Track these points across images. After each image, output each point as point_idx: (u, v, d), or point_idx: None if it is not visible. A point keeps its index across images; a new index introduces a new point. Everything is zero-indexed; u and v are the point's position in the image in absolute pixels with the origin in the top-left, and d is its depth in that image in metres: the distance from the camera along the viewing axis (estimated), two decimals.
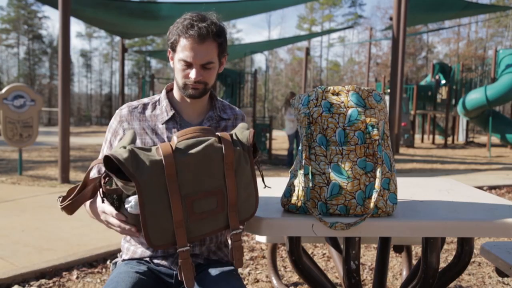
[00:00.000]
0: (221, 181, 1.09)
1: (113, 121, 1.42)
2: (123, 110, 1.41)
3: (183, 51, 1.29)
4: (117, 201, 1.13)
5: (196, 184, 1.07)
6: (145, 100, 1.44)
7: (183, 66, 1.31)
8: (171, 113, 1.38)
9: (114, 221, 1.13)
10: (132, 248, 1.41)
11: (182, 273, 1.11)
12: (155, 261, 1.39)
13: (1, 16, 43.27)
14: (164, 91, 1.44)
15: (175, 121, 1.38)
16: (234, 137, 1.15)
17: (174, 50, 1.33)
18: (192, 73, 1.30)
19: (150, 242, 1.05)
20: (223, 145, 1.10)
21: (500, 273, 1.79)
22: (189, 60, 1.29)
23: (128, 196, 1.09)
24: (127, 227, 1.11)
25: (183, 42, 1.29)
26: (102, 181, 1.10)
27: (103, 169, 1.11)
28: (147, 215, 1.03)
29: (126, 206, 1.09)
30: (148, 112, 1.40)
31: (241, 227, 1.16)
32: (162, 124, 1.38)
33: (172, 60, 1.37)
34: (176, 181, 1.05)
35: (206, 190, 1.08)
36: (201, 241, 1.39)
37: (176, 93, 1.42)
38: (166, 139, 1.36)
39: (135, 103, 1.43)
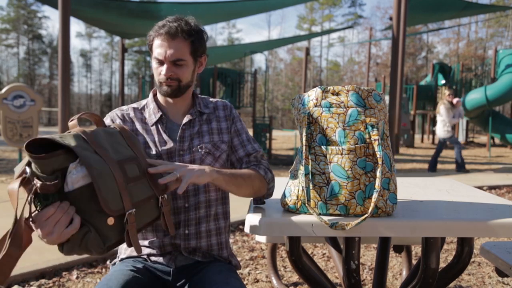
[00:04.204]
0: (130, 151, 1.19)
1: (106, 120, 1.43)
2: (115, 112, 1.46)
3: (155, 49, 1.34)
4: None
5: (116, 151, 1.14)
6: (134, 105, 1.48)
7: (156, 64, 1.36)
8: (158, 115, 1.42)
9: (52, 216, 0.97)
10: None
11: (130, 238, 1.09)
12: (152, 258, 1.40)
13: (1, 16, 43.28)
14: (151, 95, 1.48)
15: (162, 122, 1.42)
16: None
17: (151, 50, 1.38)
18: (163, 70, 1.34)
19: (108, 206, 1.02)
20: (115, 126, 1.25)
21: (500, 273, 1.79)
22: (160, 57, 1.33)
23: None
24: (65, 212, 0.98)
25: (156, 41, 1.34)
26: (35, 185, 0.96)
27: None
28: (97, 176, 1.01)
29: (70, 176, 1.00)
30: (138, 115, 1.44)
31: (165, 195, 1.19)
32: (152, 126, 1.41)
33: (151, 60, 1.41)
34: (102, 147, 1.10)
35: (125, 157, 1.14)
36: (196, 234, 1.40)
37: (159, 96, 1.46)
38: (156, 140, 1.39)
39: (124, 107, 1.47)
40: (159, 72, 1.35)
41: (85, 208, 1.02)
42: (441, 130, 7.85)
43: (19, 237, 0.97)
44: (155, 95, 1.48)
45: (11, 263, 0.96)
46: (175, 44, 1.32)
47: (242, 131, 1.49)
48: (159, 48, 1.33)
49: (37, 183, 0.96)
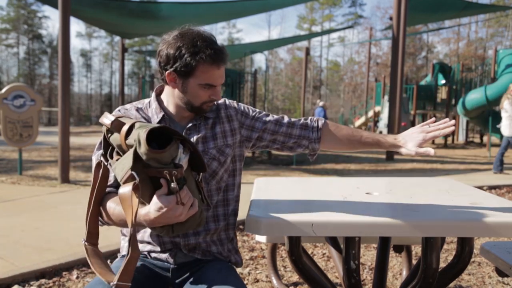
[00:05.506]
0: None
1: None
2: (119, 110, 1.44)
3: (210, 76, 1.32)
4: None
5: None
6: (137, 104, 1.47)
7: (204, 88, 1.34)
8: (160, 115, 1.40)
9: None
10: None
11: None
12: (153, 255, 1.40)
13: (1, 16, 43.29)
14: (153, 94, 1.46)
15: (165, 122, 1.40)
16: None
17: (187, 75, 1.32)
18: (217, 94, 1.37)
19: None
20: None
21: (500, 273, 1.79)
22: (216, 83, 1.34)
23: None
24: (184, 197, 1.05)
25: (206, 67, 1.30)
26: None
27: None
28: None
29: (180, 161, 1.06)
30: (142, 114, 1.43)
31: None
32: None
33: (174, 82, 1.34)
34: None
35: None
36: (195, 233, 1.39)
37: (171, 103, 1.42)
38: None
39: (128, 106, 1.46)
40: (209, 96, 1.35)
41: (190, 188, 1.10)
42: (508, 127, 7.56)
43: (136, 240, 1.06)
44: (158, 95, 1.46)
45: (133, 264, 1.06)
46: (223, 68, 1.35)
47: (263, 114, 1.52)
48: (214, 74, 1.32)
49: (173, 171, 1.02)
